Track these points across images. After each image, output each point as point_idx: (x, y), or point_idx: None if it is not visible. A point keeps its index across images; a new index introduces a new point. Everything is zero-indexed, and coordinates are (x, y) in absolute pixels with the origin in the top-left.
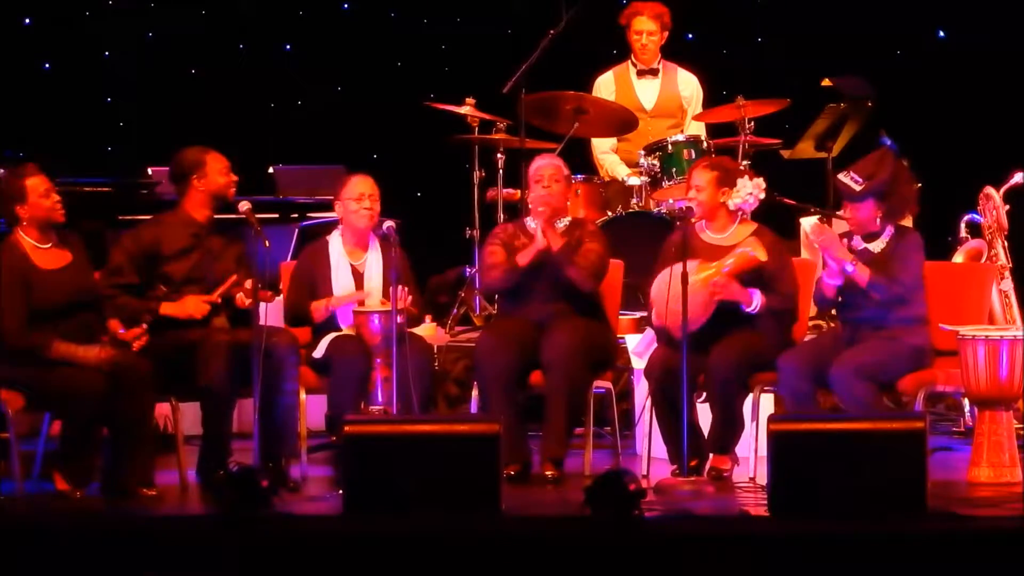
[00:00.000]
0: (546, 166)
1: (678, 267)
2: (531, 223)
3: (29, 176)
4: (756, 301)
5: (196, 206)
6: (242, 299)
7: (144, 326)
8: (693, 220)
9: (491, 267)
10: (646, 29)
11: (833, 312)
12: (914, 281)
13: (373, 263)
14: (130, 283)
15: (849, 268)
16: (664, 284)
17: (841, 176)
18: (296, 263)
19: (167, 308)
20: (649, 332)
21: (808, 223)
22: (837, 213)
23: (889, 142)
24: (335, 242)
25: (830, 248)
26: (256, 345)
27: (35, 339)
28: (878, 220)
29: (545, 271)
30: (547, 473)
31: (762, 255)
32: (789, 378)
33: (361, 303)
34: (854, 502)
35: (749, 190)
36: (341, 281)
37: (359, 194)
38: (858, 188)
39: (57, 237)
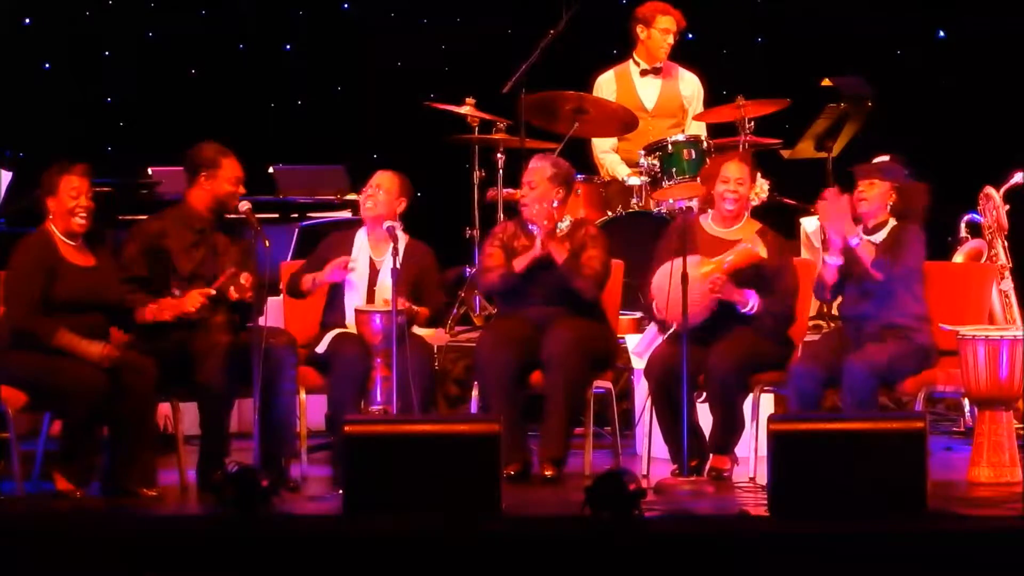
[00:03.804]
0: (530, 170)
1: (676, 262)
2: (531, 227)
3: (67, 173)
4: (752, 303)
5: (200, 203)
6: (233, 292)
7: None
8: (724, 211)
9: (488, 270)
10: (673, 30)
11: (834, 312)
12: (915, 267)
13: (390, 261)
14: (142, 275)
15: (854, 241)
16: (665, 277)
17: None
18: (321, 243)
19: (173, 309)
20: (649, 331)
21: (809, 222)
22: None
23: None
24: (361, 233)
25: (840, 220)
26: (256, 345)
27: (40, 324)
28: (888, 206)
29: (544, 275)
30: (546, 473)
31: (762, 251)
32: (801, 382)
33: (345, 267)
34: (854, 502)
35: (765, 188)
36: (358, 269)
37: (367, 183)
38: (888, 159)
39: (85, 243)
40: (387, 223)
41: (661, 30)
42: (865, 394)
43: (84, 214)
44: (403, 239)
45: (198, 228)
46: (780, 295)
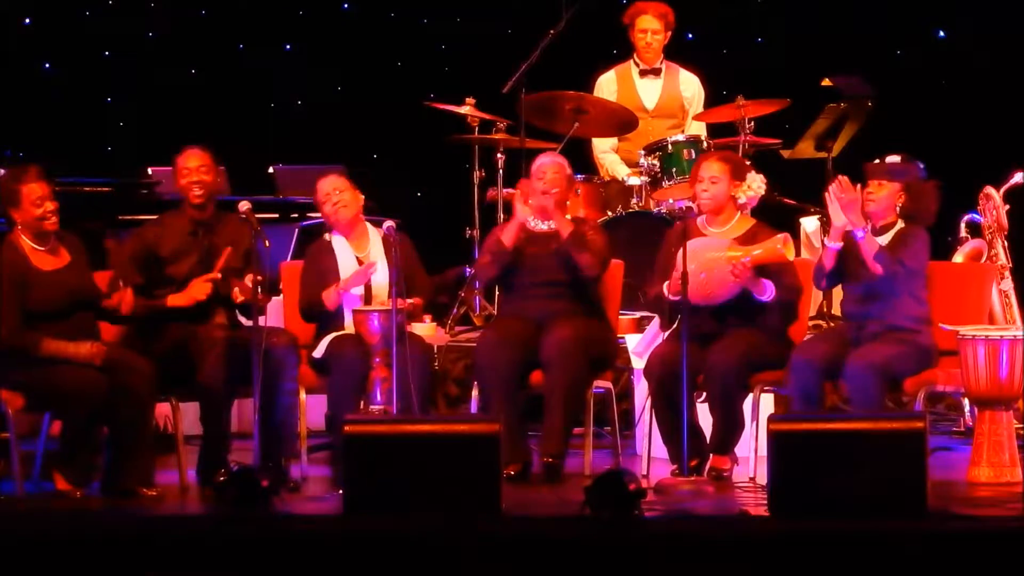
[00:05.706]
0: (549, 164)
1: (700, 241)
2: (531, 221)
3: (26, 182)
4: (769, 292)
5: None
6: (237, 294)
7: (124, 288)
8: (701, 212)
9: (481, 255)
10: (650, 28)
11: (835, 311)
12: (918, 269)
13: (377, 256)
14: (134, 283)
15: (860, 234)
16: (688, 256)
17: (878, 162)
18: (304, 261)
19: (174, 300)
20: (649, 331)
21: (809, 222)
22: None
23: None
24: (338, 240)
25: (850, 208)
26: (256, 345)
27: (24, 339)
28: (897, 208)
29: (545, 268)
30: (545, 460)
31: (790, 254)
32: (801, 374)
33: (368, 270)
34: (854, 502)
35: (758, 185)
36: (350, 273)
37: (324, 195)
38: (899, 159)
39: (55, 239)
40: (386, 224)
41: (640, 31)
42: (870, 393)
43: (52, 217)
44: (376, 233)
45: (191, 231)
46: (788, 287)
